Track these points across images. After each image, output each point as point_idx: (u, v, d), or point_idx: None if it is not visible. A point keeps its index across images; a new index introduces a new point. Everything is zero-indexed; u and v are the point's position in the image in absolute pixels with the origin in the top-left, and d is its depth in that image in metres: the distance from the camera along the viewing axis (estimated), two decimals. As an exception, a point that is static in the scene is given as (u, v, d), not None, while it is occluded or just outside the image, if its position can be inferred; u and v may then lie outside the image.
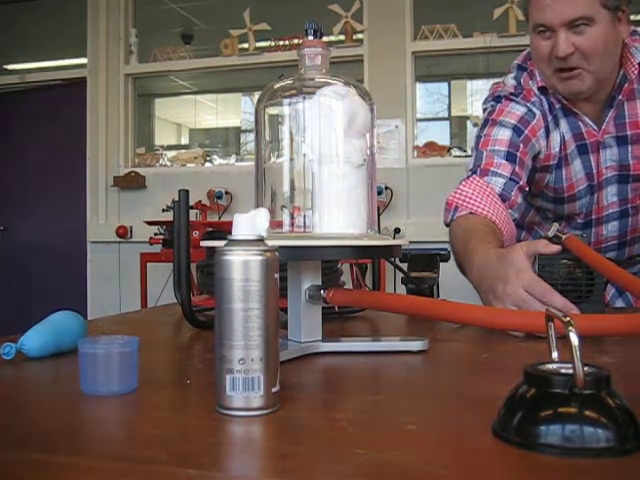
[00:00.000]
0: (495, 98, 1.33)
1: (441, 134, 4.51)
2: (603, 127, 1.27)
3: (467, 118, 4.27)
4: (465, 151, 3.81)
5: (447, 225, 1.25)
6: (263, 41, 4.04)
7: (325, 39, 0.81)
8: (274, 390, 0.53)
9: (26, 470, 0.43)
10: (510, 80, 1.33)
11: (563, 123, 1.29)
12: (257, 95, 0.84)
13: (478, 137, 1.31)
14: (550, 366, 0.47)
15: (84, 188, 4.31)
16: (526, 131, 1.26)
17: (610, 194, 1.32)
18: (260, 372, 0.52)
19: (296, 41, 3.86)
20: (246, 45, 4.05)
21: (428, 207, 3.63)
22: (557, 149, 1.29)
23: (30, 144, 4.56)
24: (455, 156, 3.73)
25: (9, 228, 4.66)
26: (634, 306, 1.39)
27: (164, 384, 0.66)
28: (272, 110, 0.81)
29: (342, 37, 3.86)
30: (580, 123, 1.28)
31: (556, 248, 0.92)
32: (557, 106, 1.29)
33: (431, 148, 3.78)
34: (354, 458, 0.42)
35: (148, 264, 3.68)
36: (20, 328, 0.76)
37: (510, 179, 1.23)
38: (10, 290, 4.58)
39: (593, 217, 1.35)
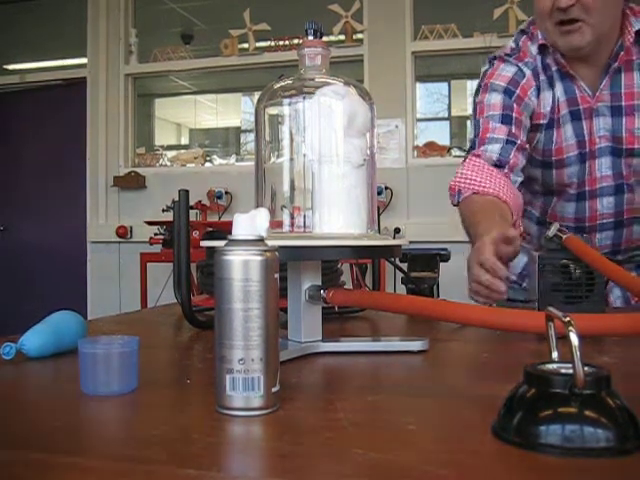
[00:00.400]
0: (490, 60, 1.36)
1: (441, 134, 4.51)
2: (597, 94, 1.28)
3: (467, 118, 4.27)
4: (465, 151, 3.81)
5: (454, 205, 1.30)
6: (263, 41, 4.04)
7: (325, 39, 0.81)
8: (274, 390, 0.53)
9: (26, 470, 0.43)
10: (510, 43, 1.36)
11: (558, 85, 1.30)
12: (257, 95, 0.84)
13: (474, 104, 1.35)
14: (550, 366, 0.47)
15: (84, 188, 4.31)
16: (517, 91, 1.29)
17: (604, 166, 1.31)
18: (260, 372, 0.52)
19: (296, 41, 3.86)
20: (246, 45, 4.05)
21: (428, 207, 3.63)
22: (548, 109, 1.30)
23: (30, 144, 4.56)
24: (455, 156, 3.72)
25: (9, 228, 4.66)
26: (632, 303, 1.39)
27: (164, 384, 0.66)
28: (272, 110, 0.81)
29: (342, 37, 3.86)
30: (575, 87, 1.29)
31: (514, 232, 0.98)
32: (554, 68, 1.30)
33: (431, 148, 3.77)
34: (354, 458, 0.42)
35: (148, 264, 3.68)
36: (20, 328, 0.76)
37: (507, 141, 1.26)
38: (10, 290, 4.58)
39: (587, 189, 1.33)
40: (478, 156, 1.27)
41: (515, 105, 1.28)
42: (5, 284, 4.60)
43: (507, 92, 1.29)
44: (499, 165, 1.25)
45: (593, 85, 1.29)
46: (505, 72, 1.31)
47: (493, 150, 1.26)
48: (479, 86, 1.35)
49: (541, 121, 1.31)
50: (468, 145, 1.33)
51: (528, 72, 1.30)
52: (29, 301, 4.38)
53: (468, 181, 1.24)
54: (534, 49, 1.31)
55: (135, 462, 0.42)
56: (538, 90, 1.30)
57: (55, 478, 0.42)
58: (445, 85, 4.76)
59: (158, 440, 0.46)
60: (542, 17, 1.25)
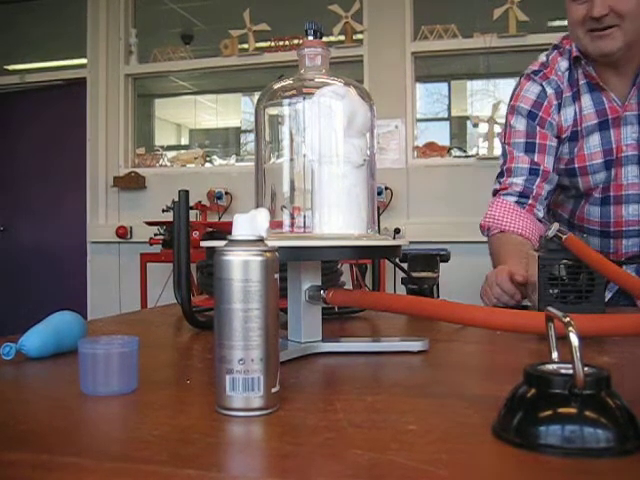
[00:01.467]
0: (521, 75, 1.44)
1: (441, 134, 4.51)
2: (626, 103, 1.33)
3: (467, 118, 4.27)
4: (465, 151, 3.81)
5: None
6: (263, 41, 4.04)
7: (325, 39, 0.81)
8: (274, 390, 0.53)
9: (26, 470, 0.43)
10: (541, 57, 1.44)
11: (586, 98, 1.35)
12: (257, 95, 0.84)
13: (505, 125, 1.46)
14: (550, 366, 0.47)
15: (84, 188, 4.31)
16: (540, 113, 1.37)
17: (631, 174, 1.35)
18: (260, 372, 0.52)
19: (296, 41, 3.86)
20: (246, 45, 4.05)
21: (428, 207, 3.63)
22: (569, 123, 1.37)
23: (30, 144, 4.56)
24: (455, 156, 3.72)
25: (9, 228, 4.66)
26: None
27: (164, 384, 0.66)
28: (272, 110, 0.81)
29: (342, 37, 3.86)
30: (604, 98, 1.34)
31: (520, 279, 1.12)
32: (582, 82, 1.35)
33: (431, 148, 3.77)
34: (354, 458, 0.42)
35: (148, 264, 3.68)
36: (20, 328, 0.76)
37: (530, 171, 1.38)
38: (10, 290, 4.58)
39: (611, 194, 1.37)
40: (505, 189, 1.41)
41: (538, 128, 1.38)
42: (5, 284, 4.60)
43: (531, 115, 1.38)
44: (524, 195, 1.39)
45: (622, 95, 1.34)
46: (529, 94, 1.39)
47: (517, 183, 1.39)
48: (510, 104, 1.44)
49: (563, 135, 1.38)
50: (498, 170, 1.46)
51: (550, 91, 1.37)
52: (29, 301, 4.38)
53: (496, 221, 1.39)
54: (564, 64, 1.38)
55: (135, 462, 0.42)
56: (559, 107, 1.38)
57: (55, 478, 0.42)
58: (445, 85, 4.76)
59: (158, 440, 0.46)
60: (575, 25, 1.30)
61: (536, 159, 1.38)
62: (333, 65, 0.82)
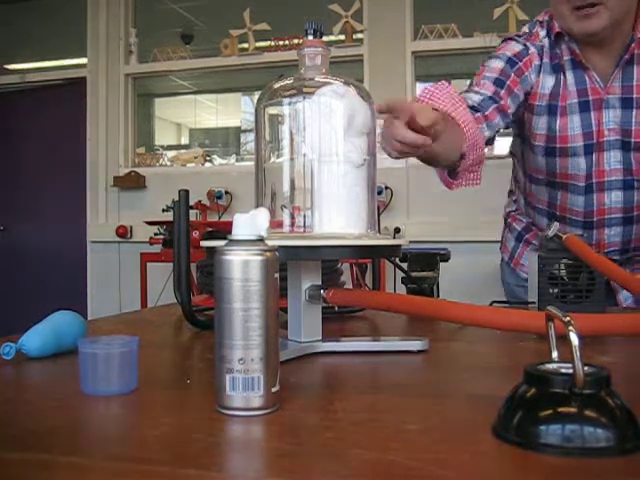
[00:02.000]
0: (502, 41, 1.38)
1: (441, 134, 4.50)
2: (608, 85, 1.29)
3: (467, 118, 4.27)
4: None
5: None
6: (263, 41, 4.04)
7: (325, 39, 0.81)
8: (274, 390, 0.53)
9: (26, 470, 0.43)
10: (524, 28, 1.38)
11: (569, 75, 1.30)
12: (257, 95, 0.84)
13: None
14: (550, 366, 0.47)
15: (84, 188, 4.31)
16: (520, 63, 1.30)
17: (613, 160, 1.31)
18: (260, 372, 0.52)
19: (296, 41, 3.86)
20: (246, 45, 4.04)
21: (428, 207, 3.63)
22: (547, 92, 1.31)
23: (30, 144, 4.56)
24: (455, 156, 3.72)
25: (9, 228, 4.65)
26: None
27: (164, 384, 0.66)
28: (272, 110, 0.81)
29: (342, 37, 3.86)
30: (587, 77, 1.30)
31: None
32: (566, 58, 1.31)
33: (431, 148, 3.77)
34: (354, 458, 0.42)
35: (148, 264, 3.68)
36: (20, 328, 0.76)
37: (489, 97, 1.25)
38: (10, 290, 4.58)
39: (594, 181, 1.32)
40: None
41: (513, 75, 1.29)
42: (5, 284, 4.60)
43: (510, 62, 1.30)
44: (474, 109, 1.21)
45: (605, 76, 1.29)
46: (512, 47, 1.33)
47: (472, 98, 1.24)
48: (487, 58, 1.36)
49: (537, 102, 1.31)
50: None
51: (533, 49, 1.31)
52: (29, 301, 4.38)
53: (429, 95, 1.13)
54: (543, 33, 1.32)
55: (135, 462, 0.42)
56: (539, 70, 1.31)
57: (55, 478, 0.42)
58: (445, 85, 4.75)
59: (158, 440, 0.46)
60: (558, 3, 1.26)
61: (501, 93, 1.26)
62: (333, 65, 0.82)
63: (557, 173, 1.35)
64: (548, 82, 1.31)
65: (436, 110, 0.98)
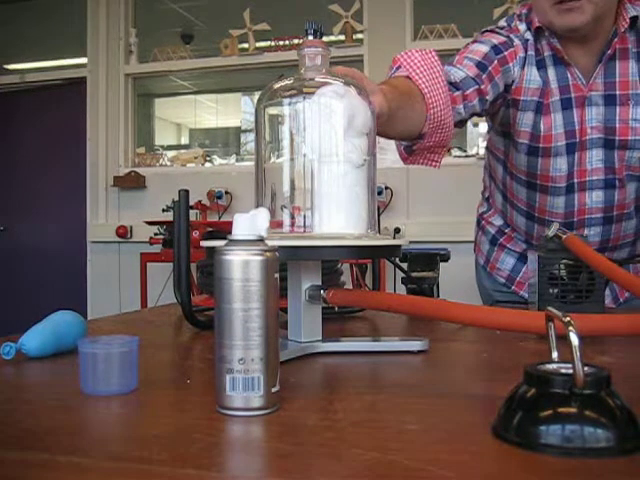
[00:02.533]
0: (481, 32, 1.30)
1: (441, 134, 4.50)
2: (590, 82, 1.24)
3: (467, 118, 4.27)
4: (465, 151, 3.81)
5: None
6: (263, 41, 4.04)
7: (325, 39, 0.81)
8: (274, 390, 0.53)
9: (26, 470, 0.43)
10: (501, 22, 1.32)
11: (551, 71, 1.25)
12: (257, 95, 0.84)
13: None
14: (550, 366, 0.47)
15: (84, 188, 4.31)
16: (505, 52, 1.24)
17: (595, 159, 1.27)
18: (260, 372, 0.52)
19: (296, 41, 3.86)
20: (246, 45, 4.05)
21: (428, 207, 3.63)
22: (531, 87, 1.26)
23: (30, 144, 4.56)
24: (455, 156, 3.72)
25: (9, 228, 4.66)
26: (619, 298, 1.38)
27: (164, 384, 0.66)
28: (272, 110, 0.81)
29: (342, 37, 3.86)
30: (568, 74, 1.25)
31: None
32: (547, 53, 1.26)
33: (431, 148, 3.77)
34: (354, 458, 0.42)
35: (148, 264, 3.68)
36: (20, 328, 0.76)
37: (472, 78, 1.18)
38: (10, 290, 4.58)
39: (575, 180, 1.28)
40: None
41: (496, 62, 1.22)
42: (5, 284, 4.60)
43: (495, 49, 1.23)
44: (454, 86, 1.16)
45: (587, 73, 1.25)
46: (495, 37, 1.26)
47: (455, 74, 1.17)
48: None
49: (521, 97, 1.26)
50: None
51: (517, 42, 1.25)
52: (29, 301, 4.38)
53: (412, 64, 1.10)
54: (523, 27, 1.27)
55: (135, 462, 0.42)
56: (523, 62, 1.26)
57: (55, 478, 0.42)
58: (445, 85, 4.75)
59: (158, 440, 0.46)
60: None
61: (483, 77, 1.19)
62: (333, 65, 0.82)
63: (538, 174, 1.31)
64: (533, 76, 1.26)
65: (394, 88, 0.97)
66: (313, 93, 0.76)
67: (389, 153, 4.02)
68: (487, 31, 1.30)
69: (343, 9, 3.81)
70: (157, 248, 3.69)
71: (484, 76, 1.20)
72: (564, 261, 0.95)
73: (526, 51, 1.26)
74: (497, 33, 1.28)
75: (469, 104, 1.18)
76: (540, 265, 0.95)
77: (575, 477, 0.39)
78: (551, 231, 0.97)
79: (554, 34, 1.23)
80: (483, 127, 3.69)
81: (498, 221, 1.47)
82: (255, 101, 0.83)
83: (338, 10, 3.80)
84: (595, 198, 1.29)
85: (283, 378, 0.55)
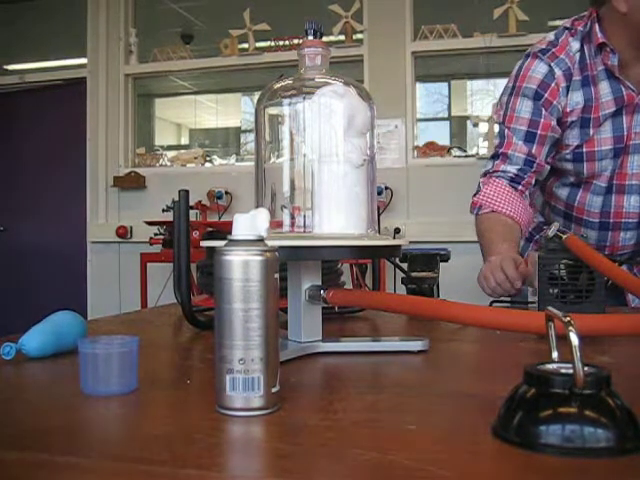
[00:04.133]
0: (527, 55, 1.38)
1: (441, 134, 4.51)
2: None
3: (467, 118, 4.27)
4: (465, 151, 3.81)
5: (472, 213, 1.43)
6: (263, 41, 4.04)
7: (325, 39, 0.81)
8: (274, 390, 0.53)
9: (26, 470, 0.43)
10: (549, 36, 1.37)
11: (604, 85, 1.31)
12: (257, 95, 0.84)
13: (506, 106, 1.39)
14: (550, 366, 0.47)
15: (84, 188, 4.31)
16: (546, 94, 1.32)
17: (637, 163, 1.32)
18: (260, 372, 0.52)
19: (296, 41, 3.86)
20: (246, 45, 4.05)
21: (428, 207, 3.63)
22: (577, 107, 1.32)
23: (30, 144, 4.56)
24: (455, 156, 3.72)
25: (9, 228, 4.65)
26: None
27: (164, 384, 0.66)
28: (272, 110, 0.81)
29: (342, 37, 3.86)
30: (622, 86, 1.30)
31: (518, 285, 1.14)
32: (600, 68, 1.31)
33: (431, 148, 3.77)
34: (354, 458, 0.42)
35: (148, 264, 3.68)
36: (20, 328, 0.76)
37: (525, 162, 1.36)
38: (10, 290, 4.58)
39: (615, 182, 1.34)
40: (497, 172, 1.38)
41: (544, 111, 1.32)
42: (5, 284, 4.60)
43: (537, 96, 1.33)
44: (515, 181, 1.36)
45: (637, 81, 1.30)
46: (536, 73, 1.33)
47: (512, 169, 1.37)
48: (513, 85, 1.37)
49: (568, 119, 1.33)
50: (493, 152, 1.43)
51: (559, 72, 1.32)
52: (29, 301, 4.38)
53: (489, 200, 1.37)
54: (575, 46, 1.32)
55: (135, 462, 0.42)
56: (567, 89, 1.32)
57: (55, 478, 0.42)
58: (445, 85, 4.76)
59: (158, 440, 0.46)
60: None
61: (534, 151, 1.35)
62: (333, 65, 0.82)
63: (584, 176, 1.37)
64: (576, 97, 1.32)
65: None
66: (313, 93, 0.76)
67: (389, 153, 4.02)
68: (532, 55, 1.36)
69: (343, 9, 3.81)
70: (157, 248, 3.68)
71: (534, 148, 1.35)
72: (564, 261, 0.95)
73: (569, 79, 1.32)
74: (539, 59, 1.34)
75: (531, 186, 1.39)
76: (540, 265, 0.95)
77: (575, 477, 0.39)
78: (551, 231, 0.97)
79: (614, 51, 1.28)
80: (483, 127, 3.69)
81: (538, 217, 1.57)
82: (255, 101, 0.83)
83: (338, 10, 3.80)
84: (634, 202, 1.35)
85: (283, 378, 0.55)
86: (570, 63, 1.32)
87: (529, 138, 1.35)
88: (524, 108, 1.35)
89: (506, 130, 1.38)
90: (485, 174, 1.43)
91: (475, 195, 1.41)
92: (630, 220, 1.36)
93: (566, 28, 1.36)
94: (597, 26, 1.29)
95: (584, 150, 1.33)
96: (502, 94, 1.42)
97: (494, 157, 1.41)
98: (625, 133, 1.31)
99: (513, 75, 1.39)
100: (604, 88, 1.31)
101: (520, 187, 1.37)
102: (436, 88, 4.71)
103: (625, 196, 1.34)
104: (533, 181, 1.38)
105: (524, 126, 1.35)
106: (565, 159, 1.37)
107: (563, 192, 1.43)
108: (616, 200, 1.35)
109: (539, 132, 1.34)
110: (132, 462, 0.42)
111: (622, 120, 1.31)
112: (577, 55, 1.31)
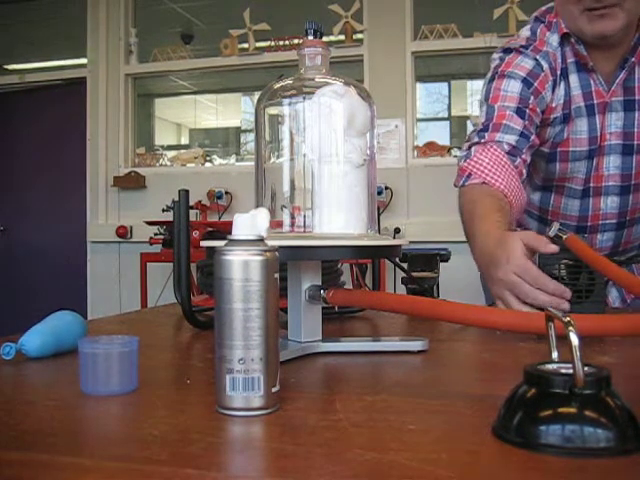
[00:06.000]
0: (505, 50, 1.29)
1: (441, 134, 4.52)
2: (612, 88, 1.24)
3: (467, 118, 4.27)
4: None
5: (456, 186, 1.24)
6: (263, 41, 4.04)
7: (325, 39, 0.81)
8: (274, 390, 0.53)
9: (26, 470, 0.43)
10: (525, 32, 1.30)
11: (573, 78, 1.25)
12: (257, 95, 0.84)
13: (487, 90, 1.28)
14: (550, 366, 0.47)
15: (84, 188, 4.31)
16: (535, 84, 1.23)
17: (612, 165, 1.27)
18: (260, 372, 0.52)
19: (296, 41, 3.86)
20: (246, 45, 4.05)
21: (428, 207, 3.63)
22: (560, 102, 1.26)
23: (30, 144, 4.56)
24: (455, 156, 3.72)
25: (9, 229, 4.66)
26: (626, 299, 1.38)
27: (164, 384, 0.66)
28: (272, 110, 0.81)
29: (342, 37, 3.86)
30: (591, 80, 1.24)
31: (554, 248, 0.91)
32: (570, 60, 1.25)
33: (431, 148, 3.78)
34: (354, 458, 0.42)
35: (148, 264, 3.68)
36: (20, 328, 0.76)
37: (522, 134, 1.21)
38: (10, 290, 4.58)
39: (591, 185, 1.29)
40: (493, 141, 1.21)
41: (532, 97, 1.23)
42: (5, 284, 4.60)
43: (526, 82, 1.23)
44: (513, 154, 1.20)
45: (608, 79, 1.24)
46: (524, 63, 1.25)
47: (510, 139, 1.20)
48: (493, 74, 1.28)
49: (552, 115, 1.26)
50: (476, 128, 1.26)
51: (545, 66, 1.24)
52: (29, 301, 4.38)
53: (481, 169, 1.18)
54: (555, 39, 1.25)
55: (135, 462, 0.42)
56: (554, 84, 1.25)
57: (55, 478, 0.42)
58: (445, 85, 4.76)
59: (158, 440, 0.46)
60: (568, 3, 1.18)
61: (527, 125, 1.22)
62: (333, 65, 0.82)
63: (555, 177, 1.32)
64: (560, 92, 1.26)
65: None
66: (313, 93, 0.76)
67: (389, 153, 4.03)
68: (512, 50, 1.27)
69: (343, 9, 3.81)
70: (157, 248, 3.69)
71: (527, 123, 1.22)
72: (564, 261, 0.95)
73: (555, 72, 1.25)
74: (522, 54, 1.26)
75: (526, 164, 1.24)
76: (540, 265, 0.95)
77: (575, 477, 0.39)
78: (551, 231, 0.97)
79: (580, 41, 1.22)
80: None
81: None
82: (255, 101, 0.83)
83: (338, 10, 3.80)
84: (610, 203, 1.30)
85: (283, 378, 0.55)
86: (553, 58, 1.25)
87: (521, 114, 1.22)
88: (512, 86, 1.23)
89: (495, 106, 1.24)
90: (470, 147, 1.24)
91: (463, 161, 1.22)
92: (607, 221, 1.31)
93: (539, 21, 1.29)
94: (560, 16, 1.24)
95: (558, 150, 1.28)
96: (482, 87, 1.31)
97: (483, 130, 1.23)
98: (599, 134, 1.25)
99: (493, 66, 1.29)
100: (574, 82, 1.25)
101: (517, 162, 1.20)
102: (436, 88, 4.72)
103: (602, 198, 1.30)
104: (529, 160, 1.24)
105: (514, 103, 1.22)
106: (541, 155, 1.30)
107: (534, 197, 1.38)
108: (593, 203, 1.30)
109: (528, 111, 1.22)
110: (132, 462, 0.42)
111: (595, 120, 1.25)
112: (559, 49, 1.25)
